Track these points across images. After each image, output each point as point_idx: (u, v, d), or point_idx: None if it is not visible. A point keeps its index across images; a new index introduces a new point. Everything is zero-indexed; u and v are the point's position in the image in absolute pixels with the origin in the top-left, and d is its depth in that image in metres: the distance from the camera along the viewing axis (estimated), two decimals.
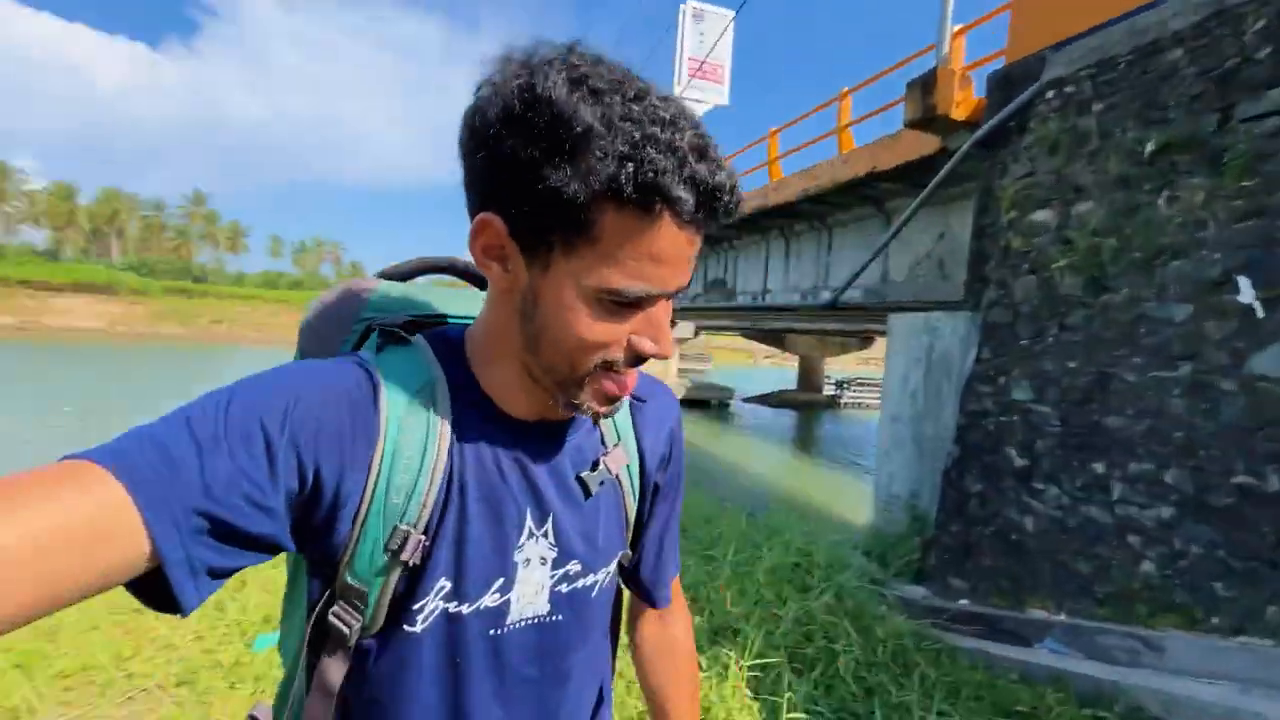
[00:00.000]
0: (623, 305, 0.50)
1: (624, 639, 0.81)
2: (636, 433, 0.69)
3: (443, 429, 0.55)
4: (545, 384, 0.56)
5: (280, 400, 0.49)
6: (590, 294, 0.50)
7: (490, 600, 0.58)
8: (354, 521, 0.52)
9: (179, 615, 0.44)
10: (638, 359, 0.54)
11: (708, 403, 23.94)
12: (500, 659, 0.59)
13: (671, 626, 0.82)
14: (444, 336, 0.61)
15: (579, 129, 0.44)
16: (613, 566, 0.68)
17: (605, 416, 0.58)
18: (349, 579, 0.54)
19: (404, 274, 0.73)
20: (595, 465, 0.64)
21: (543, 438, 0.61)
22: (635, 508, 0.69)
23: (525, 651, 0.61)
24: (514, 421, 0.59)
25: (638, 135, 0.44)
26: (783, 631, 2.78)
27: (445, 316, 0.66)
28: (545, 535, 0.61)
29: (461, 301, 0.70)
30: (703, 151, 0.46)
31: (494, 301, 0.57)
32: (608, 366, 0.53)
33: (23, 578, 0.36)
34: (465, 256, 0.65)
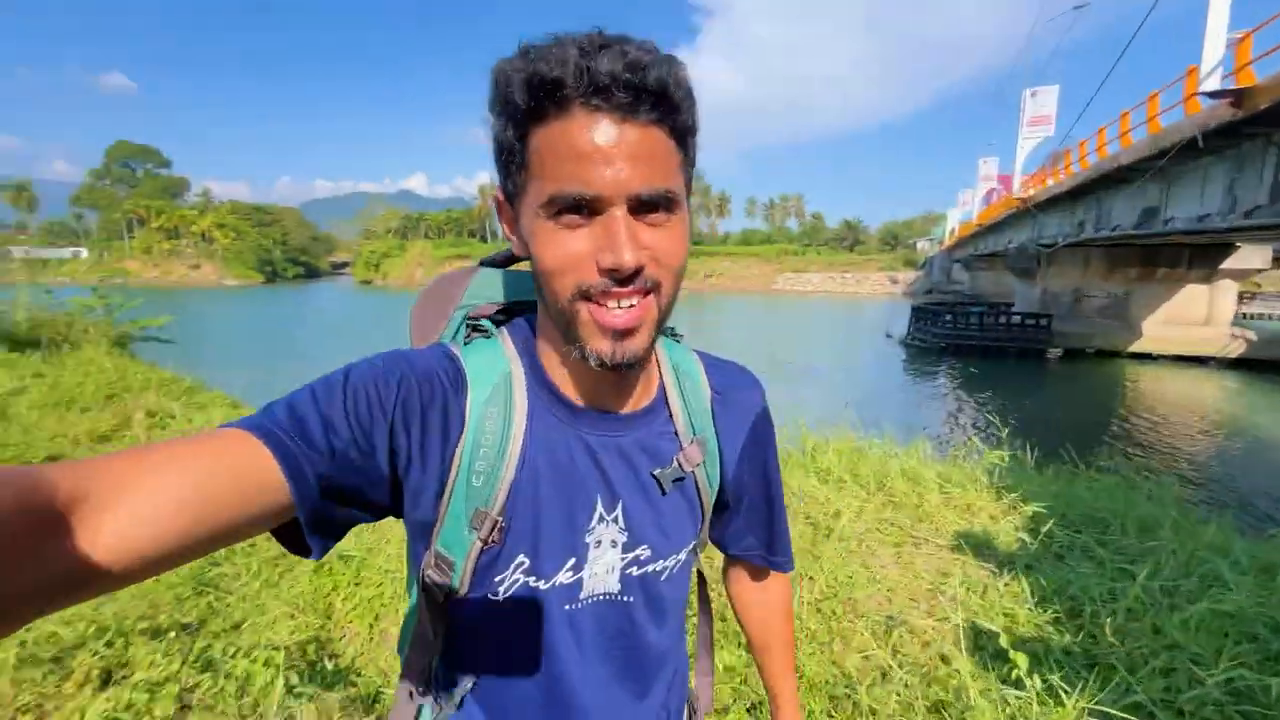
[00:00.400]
0: (573, 217, 0.51)
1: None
2: (715, 424, 0.70)
3: (518, 419, 0.59)
4: (566, 340, 0.58)
5: (388, 383, 0.55)
6: (541, 217, 0.52)
7: (564, 577, 0.63)
8: (441, 498, 0.58)
9: (312, 559, 0.53)
10: (610, 278, 0.52)
11: None
12: (575, 629, 0.65)
13: (768, 590, 0.86)
14: (524, 325, 0.65)
15: (499, 79, 0.51)
16: (684, 555, 0.71)
17: (619, 363, 0.55)
18: (439, 547, 0.60)
19: (500, 261, 0.75)
20: (673, 461, 0.66)
21: (608, 425, 0.64)
22: (713, 499, 0.72)
23: (599, 624, 0.66)
24: (577, 409, 0.63)
25: (534, 57, 0.49)
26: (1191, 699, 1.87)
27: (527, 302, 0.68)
28: (615, 520, 0.65)
29: None
30: (605, 44, 0.48)
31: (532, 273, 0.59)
32: (585, 295, 0.53)
33: (193, 519, 0.41)
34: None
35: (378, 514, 0.58)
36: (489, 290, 0.71)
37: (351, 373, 0.55)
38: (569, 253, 0.52)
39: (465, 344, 0.63)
